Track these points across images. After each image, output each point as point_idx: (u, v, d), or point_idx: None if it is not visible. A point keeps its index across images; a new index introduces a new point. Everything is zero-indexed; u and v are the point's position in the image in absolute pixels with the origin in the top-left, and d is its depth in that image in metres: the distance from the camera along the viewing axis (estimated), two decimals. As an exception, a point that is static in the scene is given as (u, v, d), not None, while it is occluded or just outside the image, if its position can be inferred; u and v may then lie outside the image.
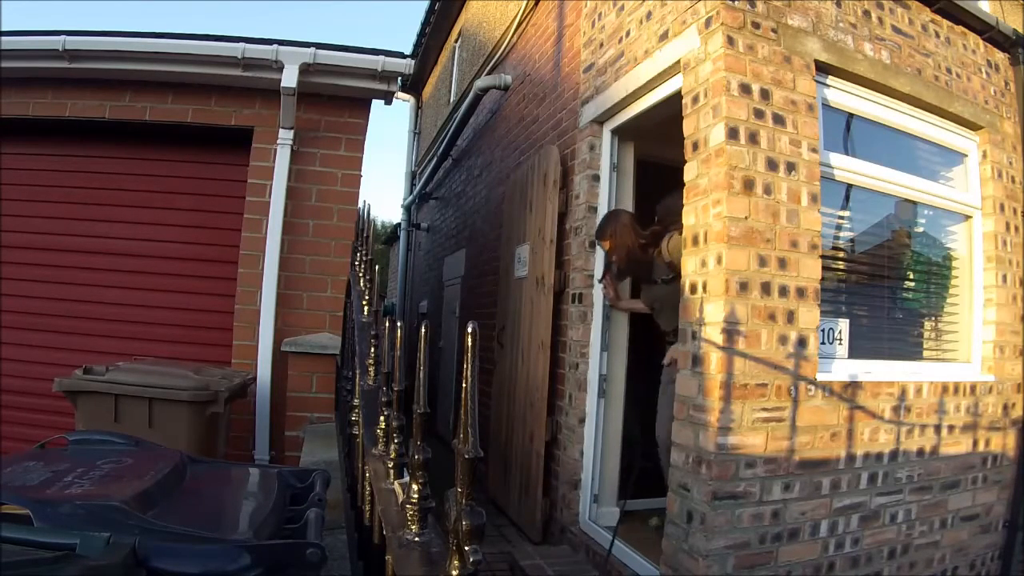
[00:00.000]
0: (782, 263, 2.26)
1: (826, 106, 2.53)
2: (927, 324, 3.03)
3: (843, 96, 2.59)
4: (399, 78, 3.45)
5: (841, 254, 2.68)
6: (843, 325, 2.54)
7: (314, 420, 3.26)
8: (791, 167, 2.31)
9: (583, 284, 3.25)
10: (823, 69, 2.49)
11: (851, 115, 2.65)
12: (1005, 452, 2.89)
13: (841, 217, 2.65)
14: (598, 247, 3.23)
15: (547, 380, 3.36)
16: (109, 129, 3.48)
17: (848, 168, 2.56)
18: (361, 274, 2.81)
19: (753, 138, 2.25)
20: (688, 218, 2.40)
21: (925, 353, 2.97)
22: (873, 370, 2.53)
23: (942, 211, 2.98)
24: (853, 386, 2.40)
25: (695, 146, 2.38)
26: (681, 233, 2.48)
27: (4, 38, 3.15)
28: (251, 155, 3.44)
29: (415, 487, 0.92)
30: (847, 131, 2.66)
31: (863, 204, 2.73)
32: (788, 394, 2.24)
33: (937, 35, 2.89)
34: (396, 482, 1.16)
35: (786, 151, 2.31)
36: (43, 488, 1.34)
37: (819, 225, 2.35)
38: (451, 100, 7.17)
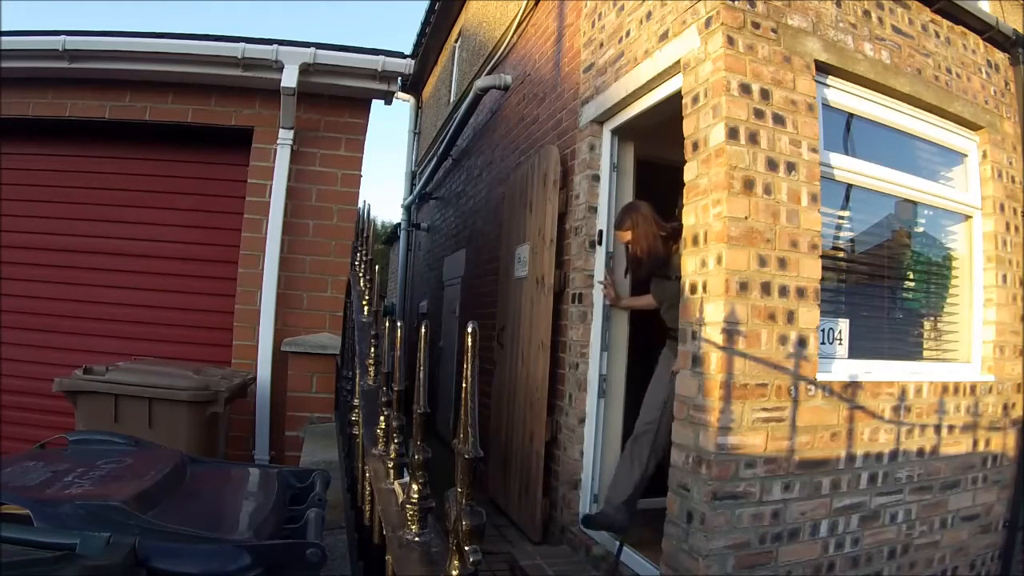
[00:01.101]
0: (782, 263, 2.26)
1: (826, 106, 2.53)
2: (927, 324, 3.03)
3: (843, 96, 2.59)
4: (399, 78, 3.45)
5: (841, 254, 2.68)
6: (843, 325, 2.54)
7: (314, 420, 3.26)
8: (791, 167, 2.31)
9: (583, 284, 3.25)
10: (823, 69, 2.49)
11: (851, 115, 2.65)
12: (1005, 452, 2.89)
13: (841, 217, 2.65)
14: (597, 248, 3.22)
15: (547, 380, 3.36)
16: (109, 129, 3.48)
17: (848, 168, 2.56)
18: (361, 274, 2.80)
19: (753, 138, 2.25)
20: (688, 218, 2.40)
21: (925, 353, 2.97)
22: (873, 370, 2.53)
23: (942, 211, 2.98)
24: (853, 386, 2.40)
25: (695, 146, 2.38)
26: None
27: (4, 38, 3.15)
28: (251, 155, 3.44)
29: (415, 487, 0.92)
30: (847, 131, 2.66)
31: (863, 204, 2.73)
32: (788, 394, 2.24)
33: (937, 35, 2.89)
34: (396, 482, 1.15)
35: (786, 151, 2.31)
36: (43, 488, 1.34)
37: (819, 225, 2.35)
38: (451, 100, 7.17)
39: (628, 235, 2.88)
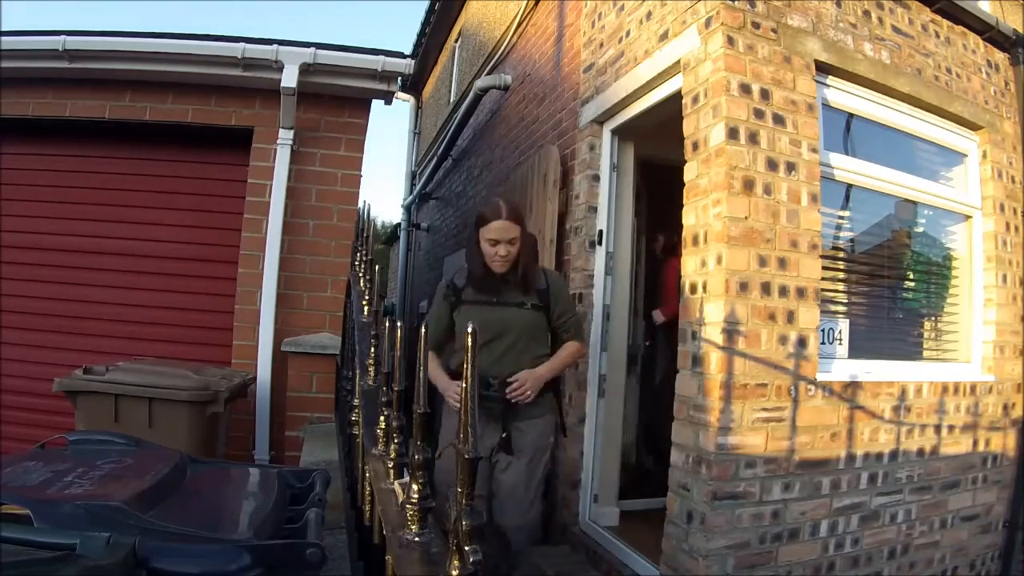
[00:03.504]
0: (782, 263, 2.26)
1: (826, 106, 2.53)
2: (927, 324, 3.03)
3: (843, 96, 2.59)
4: (399, 78, 3.45)
5: (841, 254, 2.67)
6: (843, 325, 2.53)
7: (314, 420, 3.27)
8: (791, 167, 2.31)
9: (583, 284, 3.24)
10: (823, 69, 2.49)
11: (851, 115, 2.65)
12: (1005, 452, 2.89)
13: (841, 217, 2.65)
14: (597, 248, 3.21)
15: (547, 380, 3.35)
16: (109, 129, 3.48)
17: (848, 168, 2.56)
18: (361, 274, 2.81)
19: (753, 138, 2.25)
20: (688, 218, 2.40)
21: (925, 353, 2.97)
22: (873, 370, 2.53)
23: (942, 211, 2.97)
24: (853, 386, 2.40)
25: (695, 146, 2.38)
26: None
27: (4, 38, 3.15)
28: (251, 155, 3.44)
29: (415, 487, 0.92)
30: (847, 131, 2.66)
31: (863, 204, 2.72)
32: (788, 394, 2.24)
33: (937, 35, 2.89)
34: (396, 482, 1.15)
35: (786, 151, 2.31)
36: (43, 488, 1.34)
37: (819, 225, 2.35)
38: (451, 100, 7.16)
39: (518, 231, 2.23)
